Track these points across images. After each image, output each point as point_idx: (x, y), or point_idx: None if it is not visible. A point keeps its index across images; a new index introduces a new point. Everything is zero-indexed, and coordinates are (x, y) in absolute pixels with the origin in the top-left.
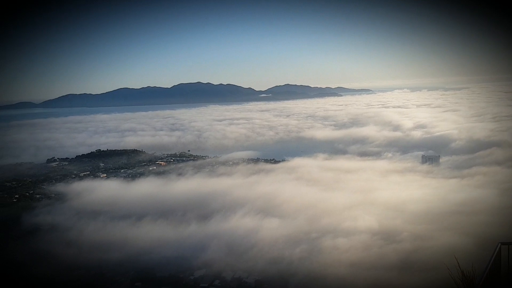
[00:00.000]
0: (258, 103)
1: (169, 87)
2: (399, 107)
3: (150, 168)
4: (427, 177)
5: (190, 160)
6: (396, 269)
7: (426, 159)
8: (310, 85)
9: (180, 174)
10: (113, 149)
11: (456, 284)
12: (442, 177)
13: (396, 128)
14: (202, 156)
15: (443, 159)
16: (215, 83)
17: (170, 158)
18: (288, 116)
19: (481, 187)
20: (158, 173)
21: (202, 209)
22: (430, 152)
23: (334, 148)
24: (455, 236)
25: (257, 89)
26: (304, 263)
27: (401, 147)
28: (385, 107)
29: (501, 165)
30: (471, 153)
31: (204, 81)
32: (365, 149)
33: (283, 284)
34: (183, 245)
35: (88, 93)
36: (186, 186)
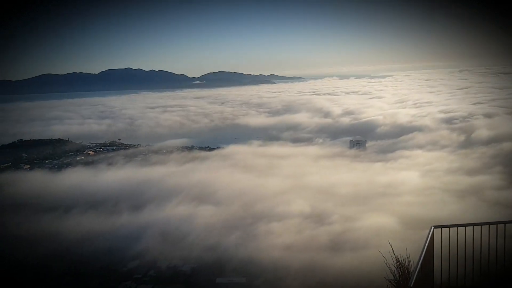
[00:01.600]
0: (192, 90)
1: (96, 73)
2: (329, 94)
3: (78, 158)
4: (355, 161)
5: (121, 149)
6: (328, 249)
7: (354, 144)
8: (244, 72)
9: (110, 164)
10: (37, 138)
11: (391, 271)
12: (368, 161)
13: (327, 114)
14: (134, 145)
15: (369, 144)
16: (146, 69)
17: (99, 147)
18: (222, 103)
19: (405, 169)
20: (87, 163)
21: (134, 199)
22: (358, 137)
23: (268, 135)
24: (382, 216)
25: (190, 76)
26: (240, 249)
27: (331, 133)
28: (316, 94)
29: (422, 148)
30: (395, 137)
31: (135, 67)
32: (297, 135)
33: (219, 270)
34: (115, 236)
35: (7, 79)
36: (117, 176)
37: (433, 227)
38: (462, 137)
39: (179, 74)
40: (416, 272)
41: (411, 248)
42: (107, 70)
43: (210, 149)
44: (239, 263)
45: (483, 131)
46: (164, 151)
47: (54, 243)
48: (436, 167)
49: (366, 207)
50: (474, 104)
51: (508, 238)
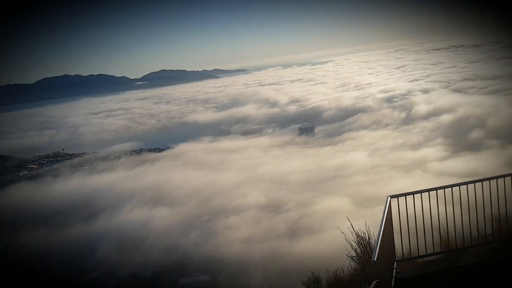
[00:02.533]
0: (135, 91)
1: (32, 83)
2: (274, 84)
3: (21, 174)
4: (305, 148)
5: (66, 159)
6: (286, 236)
7: (302, 131)
8: (187, 69)
9: (56, 176)
10: None
11: (352, 247)
12: (318, 146)
13: (274, 104)
14: (80, 154)
15: (317, 129)
16: (84, 75)
17: (42, 160)
18: (168, 102)
19: (352, 150)
20: (31, 178)
21: (86, 210)
22: (306, 124)
23: (218, 130)
24: (335, 198)
25: (132, 78)
26: (200, 247)
27: (280, 122)
28: (262, 85)
29: (367, 128)
30: (341, 120)
31: (72, 73)
32: (247, 128)
33: (181, 271)
34: (70, 249)
35: None
36: (64, 187)
37: (389, 197)
38: (403, 114)
39: (120, 76)
40: (378, 245)
41: (360, 223)
42: (43, 79)
43: (160, 150)
44: (200, 261)
45: (422, 106)
46: (112, 156)
47: (2, 266)
48: (381, 145)
49: (319, 191)
50: (411, 81)
51: (464, 200)
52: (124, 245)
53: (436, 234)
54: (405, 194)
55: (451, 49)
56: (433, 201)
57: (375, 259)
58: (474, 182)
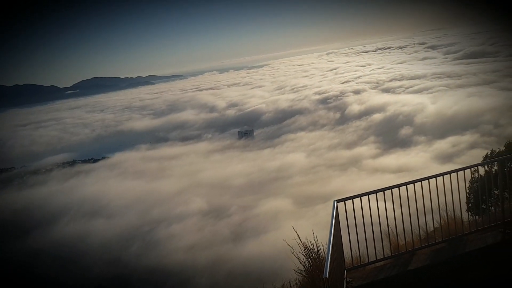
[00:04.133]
0: (66, 100)
1: None
2: (211, 88)
3: None
4: (245, 151)
5: None
6: (230, 241)
7: (242, 135)
8: (120, 76)
9: None
10: None
11: (300, 261)
12: (257, 149)
13: (212, 109)
14: (8, 168)
15: (257, 132)
16: (9, 85)
17: None
18: (102, 110)
19: (291, 152)
20: None
21: (17, 228)
22: (245, 128)
23: (155, 137)
24: (277, 200)
25: (61, 86)
26: (142, 258)
27: (219, 126)
28: (199, 90)
29: (304, 129)
30: (279, 123)
31: None
32: (185, 134)
33: (124, 284)
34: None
35: None
36: None
37: (335, 201)
38: (338, 115)
39: (48, 85)
40: (329, 260)
41: (308, 224)
42: None
43: (95, 161)
44: (144, 273)
45: (354, 107)
46: (43, 170)
47: None
48: (319, 145)
49: (262, 194)
50: (343, 83)
51: (407, 199)
52: (62, 262)
53: (384, 237)
54: (352, 197)
55: (379, 51)
56: (381, 203)
57: (326, 276)
58: (421, 180)
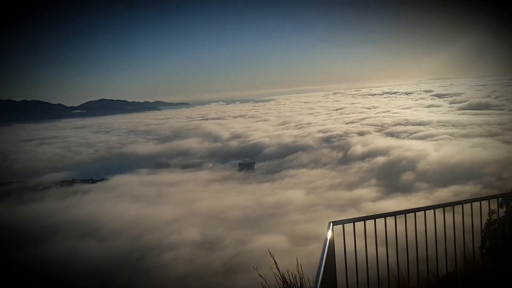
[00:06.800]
0: (72, 119)
1: None
2: (217, 118)
3: None
4: (244, 183)
5: None
6: (221, 274)
7: (243, 166)
8: (127, 100)
9: None
10: None
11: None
12: (257, 182)
13: (216, 139)
14: (6, 182)
15: (258, 165)
16: (17, 100)
17: None
18: (107, 132)
19: (291, 188)
20: None
21: (6, 243)
22: (246, 160)
23: (157, 162)
24: (272, 236)
25: (68, 105)
26: (131, 285)
27: (221, 156)
28: (205, 119)
29: (306, 166)
30: (281, 157)
31: (3, 98)
32: (187, 161)
33: None
34: None
35: None
36: None
37: (331, 223)
38: (341, 154)
39: (56, 103)
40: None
41: (301, 263)
42: None
43: (94, 181)
44: None
45: (358, 148)
46: (41, 186)
47: None
48: (319, 184)
49: (257, 228)
50: (348, 123)
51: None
52: (48, 282)
53: (392, 279)
54: (353, 220)
55: (385, 95)
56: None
57: None
58: (434, 207)
